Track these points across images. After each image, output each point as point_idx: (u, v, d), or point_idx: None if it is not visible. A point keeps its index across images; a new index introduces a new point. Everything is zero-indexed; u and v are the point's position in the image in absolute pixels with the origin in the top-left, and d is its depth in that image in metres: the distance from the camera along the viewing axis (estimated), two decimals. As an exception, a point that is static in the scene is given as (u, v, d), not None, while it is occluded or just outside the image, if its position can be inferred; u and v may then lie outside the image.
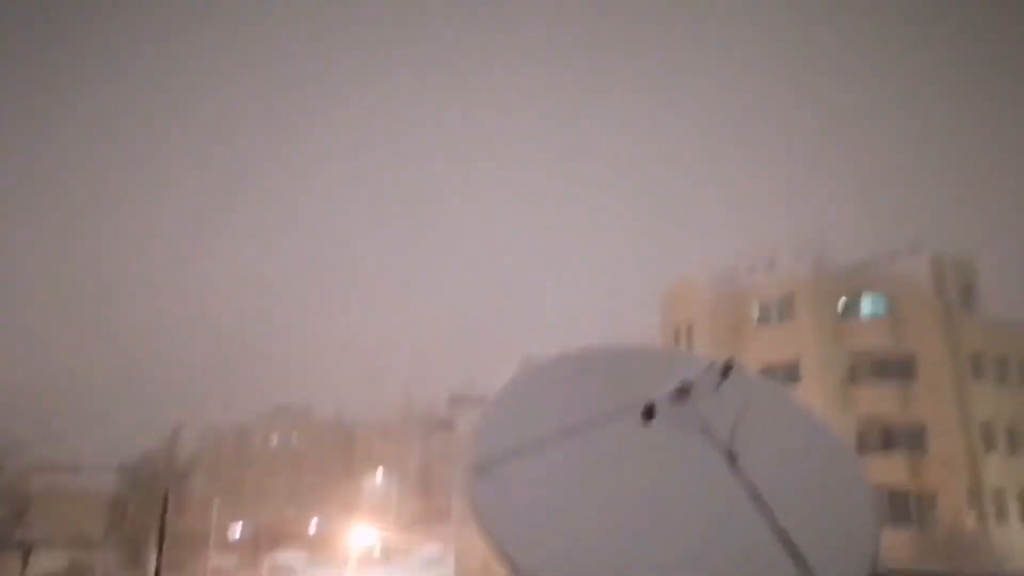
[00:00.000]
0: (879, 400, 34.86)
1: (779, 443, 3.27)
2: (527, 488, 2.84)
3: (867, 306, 36.73)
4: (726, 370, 2.91)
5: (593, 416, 2.86)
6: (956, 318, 35.31)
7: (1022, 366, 37.03)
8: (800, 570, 2.50)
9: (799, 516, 2.66)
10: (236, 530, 57.70)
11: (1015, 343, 36.82)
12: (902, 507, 33.23)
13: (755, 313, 37.84)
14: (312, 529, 59.84)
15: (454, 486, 54.08)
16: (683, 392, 2.92)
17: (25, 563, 35.79)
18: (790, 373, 34.64)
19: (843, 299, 36.80)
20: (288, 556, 51.27)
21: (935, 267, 35.91)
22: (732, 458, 2.73)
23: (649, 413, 2.81)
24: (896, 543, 32.03)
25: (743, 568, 2.72)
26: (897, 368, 35.41)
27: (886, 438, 34.73)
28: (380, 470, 61.03)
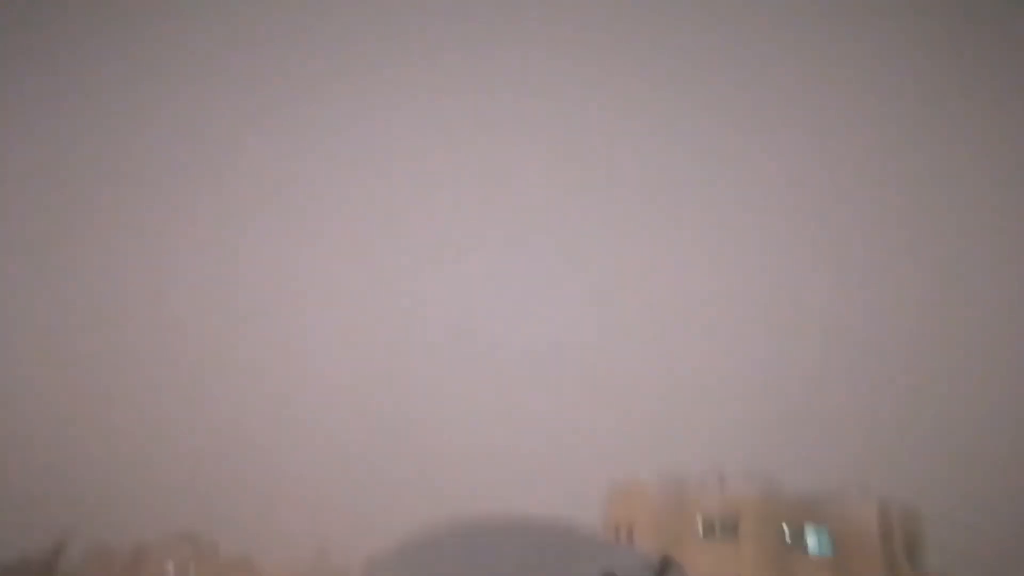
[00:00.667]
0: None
1: None
2: None
3: (812, 540, 35.93)
4: (664, 569, 2.31)
5: None
6: (900, 570, 34.60)
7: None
8: None
9: None
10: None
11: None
12: None
13: (700, 526, 36.70)
14: None
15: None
16: None
17: None
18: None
19: (788, 528, 36.02)
20: None
21: (882, 512, 35.64)
22: None
23: None
24: None
25: None
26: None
27: None
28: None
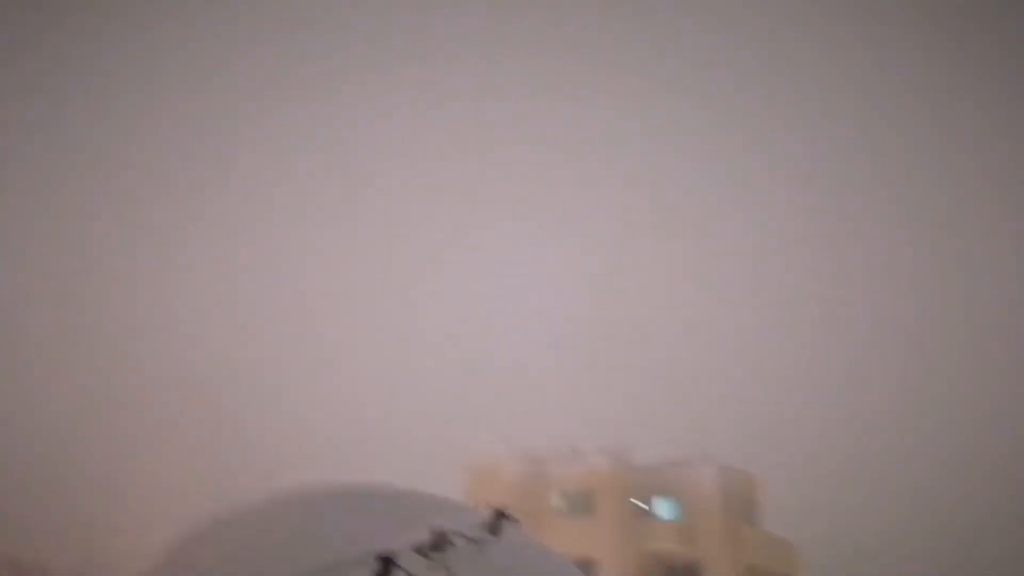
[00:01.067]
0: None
1: None
2: None
3: (661, 509, 37.64)
4: (497, 522, 2.06)
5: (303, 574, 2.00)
6: (739, 530, 36.88)
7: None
8: None
9: None
10: None
11: (787, 560, 38.82)
12: None
13: (556, 503, 37.46)
14: None
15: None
16: (437, 544, 2.01)
17: None
18: (586, 570, 34.02)
19: (638, 500, 37.58)
20: None
21: (723, 478, 37.81)
22: None
23: (385, 568, 1.87)
24: None
25: None
26: (685, 573, 36.01)
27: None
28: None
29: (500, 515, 2.22)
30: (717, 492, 37.37)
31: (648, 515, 37.57)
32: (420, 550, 2.16)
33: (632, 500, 37.32)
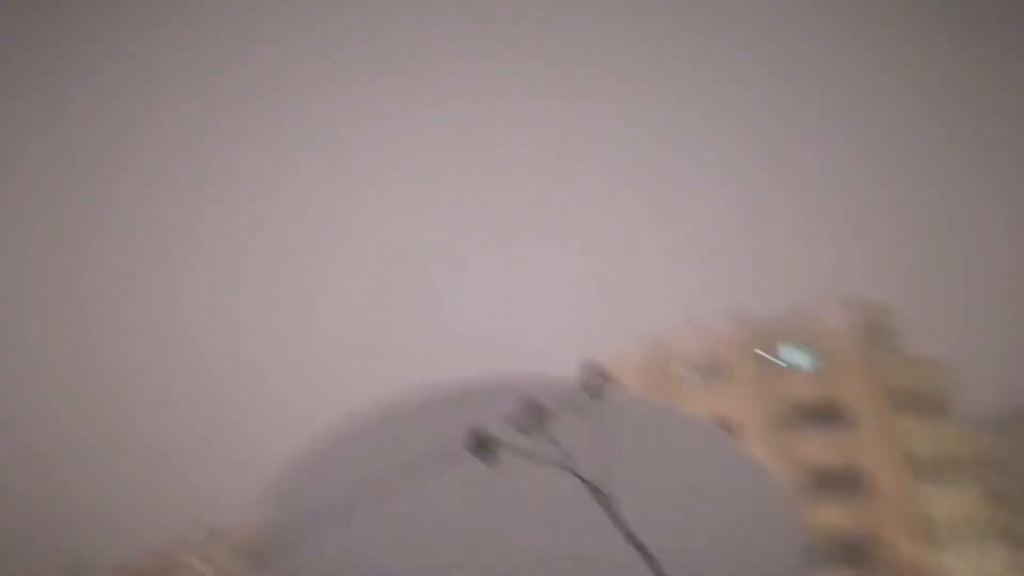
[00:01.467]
0: (815, 447, 35.78)
1: (673, 477, 2.75)
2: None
3: (791, 357, 37.92)
4: (596, 385, 2.23)
5: (412, 465, 2.35)
6: (876, 360, 36.72)
7: (942, 398, 38.61)
8: None
9: (695, 566, 2.21)
10: None
11: (933, 376, 38.41)
12: (846, 552, 33.98)
13: (683, 376, 38.60)
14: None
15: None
16: (535, 418, 2.26)
17: None
18: (726, 430, 35.39)
19: (767, 354, 37.94)
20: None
21: (851, 313, 37.39)
22: (604, 497, 2.26)
23: (484, 447, 2.24)
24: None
25: None
26: (827, 415, 36.53)
27: (823, 485, 35.57)
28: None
29: (598, 376, 2.86)
30: (845, 328, 37.13)
31: (780, 366, 38.01)
32: (516, 421, 3.03)
33: (759, 352, 37.75)
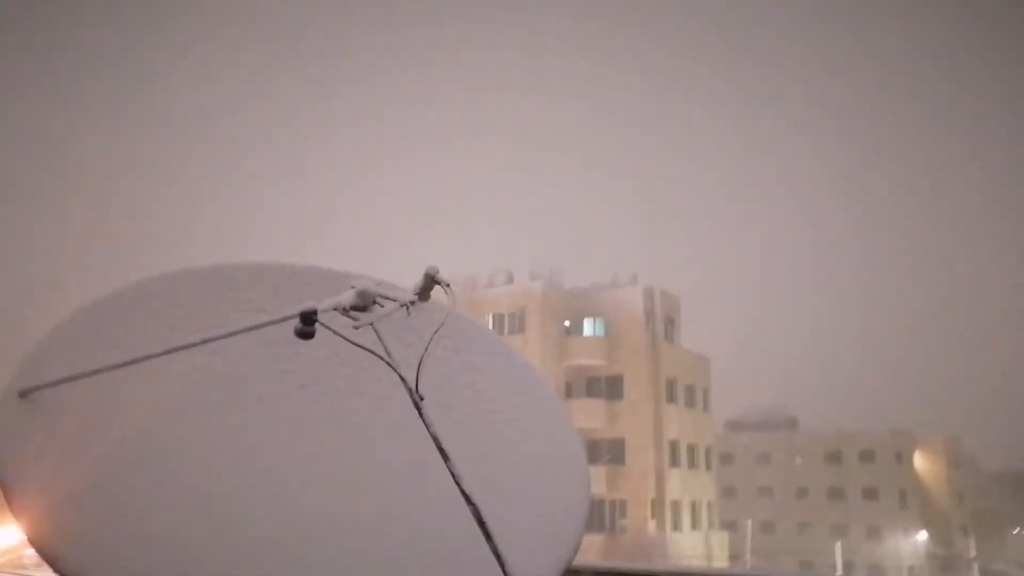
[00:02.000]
0: (589, 415, 37.59)
1: (485, 402, 2.87)
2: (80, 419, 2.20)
3: (588, 327, 39.76)
4: (427, 286, 2.14)
5: (225, 330, 2.23)
6: (659, 345, 39.48)
7: (705, 392, 42.44)
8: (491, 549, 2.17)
9: (499, 490, 2.37)
10: None
11: (701, 373, 42.11)
12: (597, 514, 36.11)
13: (489, 324, 39.03)
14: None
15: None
16: (362, 301, 2.07)
17: None
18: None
19: (568, 321, 39.51)
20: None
21: (647, 298, 39.90)
22: (418, 400, 2.18)
23: (307, 322, 2.03)
24: (587, 546, 34.80)
25: (418, 546, 2.37)
26: (607, 387, 38.78)
27: (590, 451, 37.52)
28: None
29: (431, 280, 2.44)
30: (640, 310, 39.56)
31: (577, 333, 39.71)
32: (343, 309, 2.44)
33: (565, 320, 39.22)
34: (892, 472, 56.90)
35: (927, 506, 58.62)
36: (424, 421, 2.43)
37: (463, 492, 2.37)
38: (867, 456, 57.29)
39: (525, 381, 3.47)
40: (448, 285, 2.61)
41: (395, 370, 2.44)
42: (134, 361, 2.37)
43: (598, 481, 35.79)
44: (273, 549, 2.38)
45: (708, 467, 42.02)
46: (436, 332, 2.56)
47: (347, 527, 2.52)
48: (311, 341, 2.34)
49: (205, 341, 2.44)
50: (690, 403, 40.93)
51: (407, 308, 2.49)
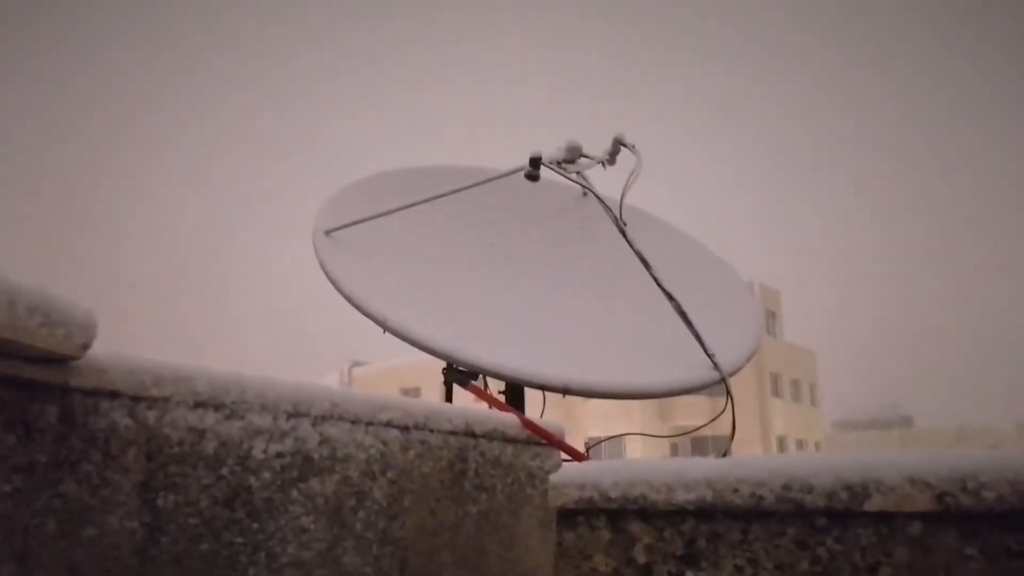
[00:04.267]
0: (691, 412, 37.32)
1: (668, 239, 3.56)
2: (386, 249, 2.89)
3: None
4: (614, 152, 2.94)
5: (466, 186, 2.93)
6: (762, 339, 38.86)
7: (812, 387, 41.46)
8: (695, 340, 2.69)
9: (690, 299, 2.90)
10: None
11: (806, 367, 41.17)
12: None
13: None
14: None
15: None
16: (571, 156, 2.90)
17: None
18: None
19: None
20: None
21: (746, 289, 39.37)
22: (621, 225, 2.85)
23: (535, 166, 2.77)
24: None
25: (634, 339, 2.92)
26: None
27: (696, 449, 37.21)
28: None
29: (618, 143, 3.14)
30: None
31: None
32: (558, 161, 3.18)
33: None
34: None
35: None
36: (627, 240, 2.98)
37: (665, 291, 2.90)
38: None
39: (696, 250, 3.98)
40: (634, 146, 3.23)
41: (601, 201, 3.02)
42: (414, 204, 3.01)
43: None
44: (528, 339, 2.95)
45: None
46: (631, 176, 3.12)
47: (576, 325, 3.07)
48: (535, 189, 2.94)
49: (459, 190, 3.07)
50: (796, 398, 40.08)
51: (604, 164, 3.12)
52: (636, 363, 2.95)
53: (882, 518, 0.95)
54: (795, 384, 40.20)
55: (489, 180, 3.14)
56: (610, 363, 2.95)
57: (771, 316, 40.50)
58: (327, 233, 3.01)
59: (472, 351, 2.69)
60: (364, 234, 3.01)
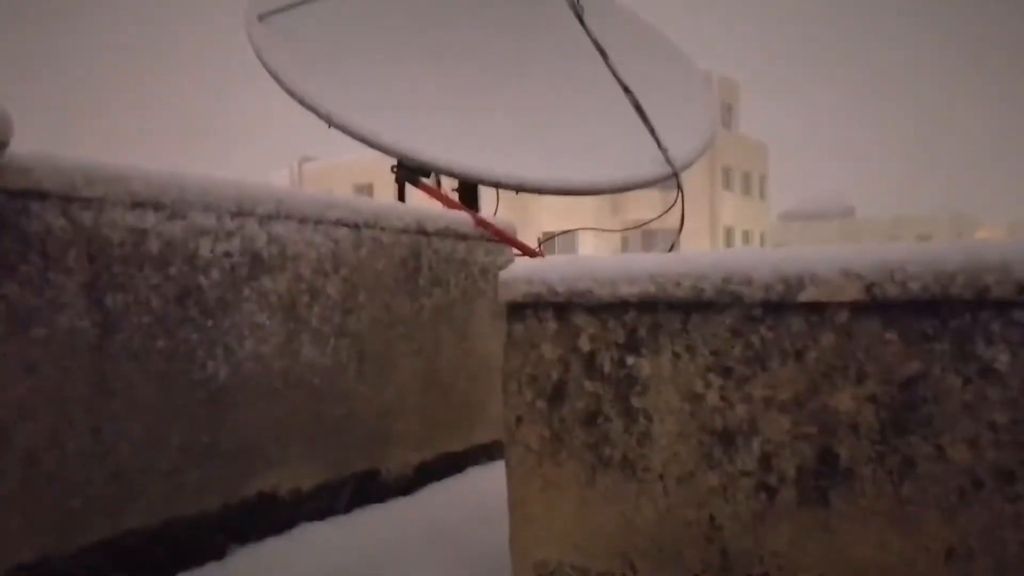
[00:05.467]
0: (642, 206, 37.97)
1: (626, 27, 3.40)
2: (329, 35, 2.66)
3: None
4: None
5: None
6: (715, 132, 38.83)
7: (762, 180, 42.22)
8: (648, 133, 2.61)
9: (647, 92, 2.80)
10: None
11: (758, 160, 41.65)
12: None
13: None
14: None
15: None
16: None
17: None
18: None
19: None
20: None
21: (704, 82, 38.73)
22: (579, 11, 2.66)
23: None
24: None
25: (589, 133, 2.85)
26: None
27: (645, 242, 38.30)
28: None
29: None
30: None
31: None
32: None
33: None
34: (948, 256, 56.83)
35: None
36: (584, 27, 2.84)
37: (621, 83, 2.82)
38: (925, 240, 57.22)
39: (657, 40, 3.82)
40: None
41: None
42: None
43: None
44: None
45: (763, 253, 42.73)
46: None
47: (531, 119, 3.00)
48: None
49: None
50: (746, 191, 40.89)
51: None
52: (590, 158, 2.94)
53: (813, 308, 1.00)
54: (746, 177, 40.84)
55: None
56: (564, 158, 2.93)
57: (727, 109, 40.20)
58: (260, 18, 2.80)
59: (423, 148, 2.63)
60: (303, 19, 2.81)
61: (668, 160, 2.83)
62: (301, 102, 2.52)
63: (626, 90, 2.72)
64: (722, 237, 39.09)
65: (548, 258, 1.34)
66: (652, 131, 2.75)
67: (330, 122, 2.52)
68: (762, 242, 42.67)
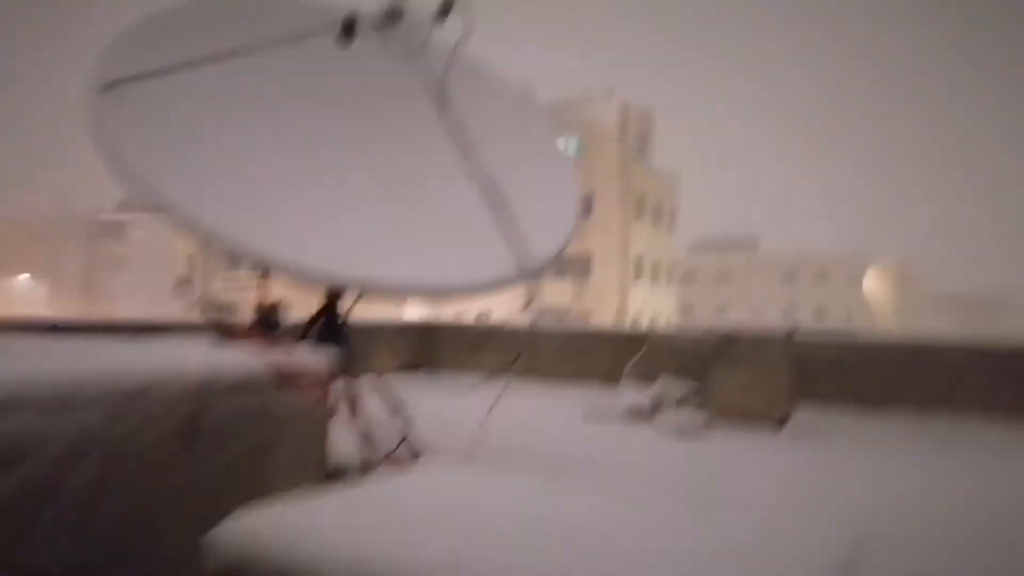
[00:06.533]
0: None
1: (492, 109, 3.37)
2: (171, 109, 2.54)
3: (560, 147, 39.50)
4: (447, 6, 2.56)
5: (275, 36, 2.58)
6: (631, 163, 39.66)
7: (672, 211, 43.32)
8: (505, 233, 2.69)
9: (507, 183, 2.83)
10: None
11: (670, 191, 42.74)
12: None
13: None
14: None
15: (120, 295, 50.61)
16: (394, 14, 2.53)
17: None
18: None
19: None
20: None
21: (622, 114, 39.53)
22: (444, 100, 2.61)
23: (349, 29, 2.46)
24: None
25: (445, 228, 2.85)
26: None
27: (559, 266, 38.68)
28: (27, 275, 53.44)
29: (448, 2, 2.87)
30: (615, 126, 39.31)
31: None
32: (377, 23, 2.91)
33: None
34: (843, 292, 59.80)
35: (870, 325, 62.27)
36: (444, 123, 2.80)
37: (481, 184, 2.77)
38: (821, 276, 59.89)
39: (534, 121, 3.79)
40: (464, 8, 2.94)
41: (425, 71, 2.77)
42: (211, 59, 2.64)
43: (565, 293, 37.23)
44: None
45: (669, 283, 43.74)
46: (458, 43, 2.86)
47: (387, 213, 2.92)
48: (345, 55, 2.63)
49: (260, 46, 2.71)
50: (656, 221, 41.86)
51: (433, 21, 2.81)
52: (444, 257, 2.87)
53: None
54: (657, 208, 41.82)
55: (295, 39, 2.78)
56: (419, 256, 2.85)
57: (643, 139, 41.13)
58: (101, 91, 2.63)
59: (265, 244, 2.51)
60: (150, 95, 2.65)
61: (522, 265, 2.79)
62: (127, 176, 2.37)
63: (486, 190, 2.68)
64: (632, 266, 39.84)
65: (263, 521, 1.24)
66: (508, 232, 2.71)
67: (171, 216, 2.37)
68: (670, 271, 43.69)
